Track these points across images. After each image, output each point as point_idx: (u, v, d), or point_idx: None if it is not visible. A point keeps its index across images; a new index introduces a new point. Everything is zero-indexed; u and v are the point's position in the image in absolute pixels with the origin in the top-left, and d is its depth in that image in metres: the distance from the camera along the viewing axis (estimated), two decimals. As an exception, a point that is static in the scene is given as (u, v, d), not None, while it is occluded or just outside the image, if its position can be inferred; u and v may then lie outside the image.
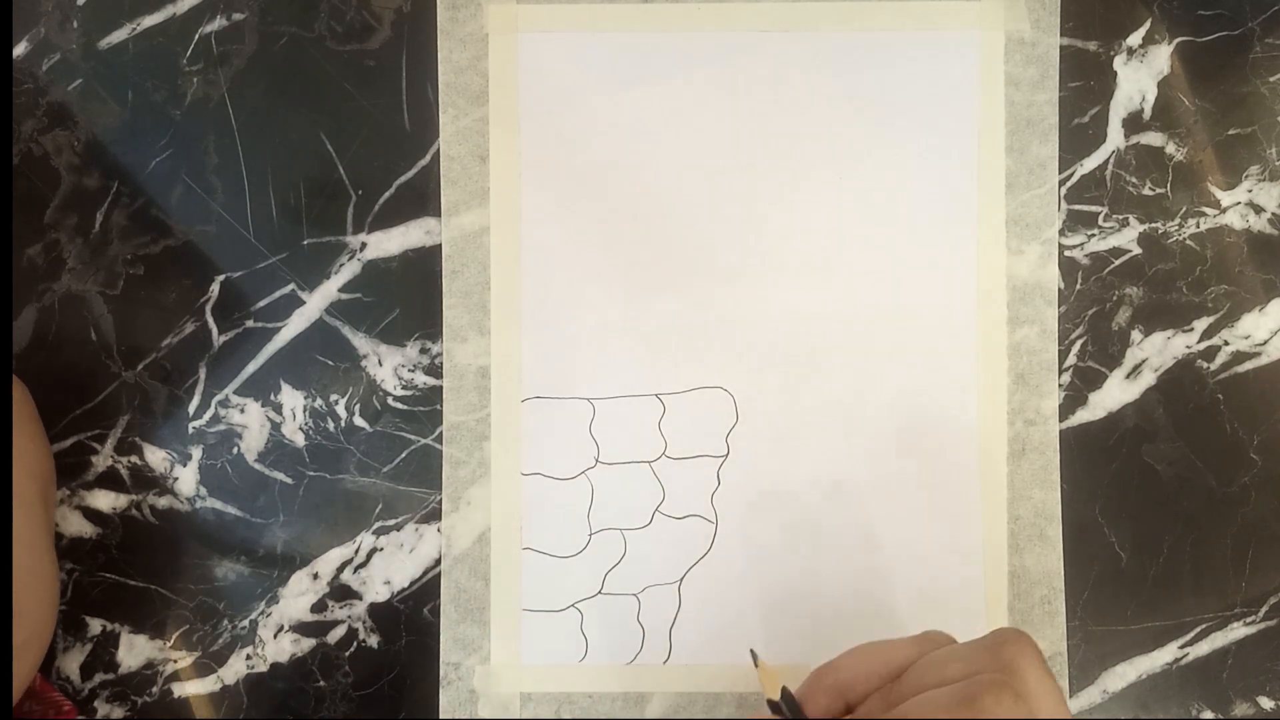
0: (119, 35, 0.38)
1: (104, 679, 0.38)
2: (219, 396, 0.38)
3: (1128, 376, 0.38)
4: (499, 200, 0.38)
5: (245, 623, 0.38)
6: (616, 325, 0.38)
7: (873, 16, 0.38)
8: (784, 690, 0.30)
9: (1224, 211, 0.38)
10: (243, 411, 0.38)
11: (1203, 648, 0.38)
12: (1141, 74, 0.38)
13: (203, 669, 0.38)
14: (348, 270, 0.38)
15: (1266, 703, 0.38)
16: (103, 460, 0.38)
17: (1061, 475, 0.38)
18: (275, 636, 0.38)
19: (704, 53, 0.38)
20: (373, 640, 0.38)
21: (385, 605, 0.38)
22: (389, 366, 0.38)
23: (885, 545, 0.38)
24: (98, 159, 0.38)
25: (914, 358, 0.38)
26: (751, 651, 0.33)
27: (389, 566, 0.38)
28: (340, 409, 0.38)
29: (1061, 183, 0.38)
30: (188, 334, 0.38)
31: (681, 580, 0.38)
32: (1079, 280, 0.38)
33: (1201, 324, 0.38)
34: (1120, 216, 0.38)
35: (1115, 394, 0.38)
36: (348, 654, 0.38)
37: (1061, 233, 0.38)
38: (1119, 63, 0.38)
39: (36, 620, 0.33)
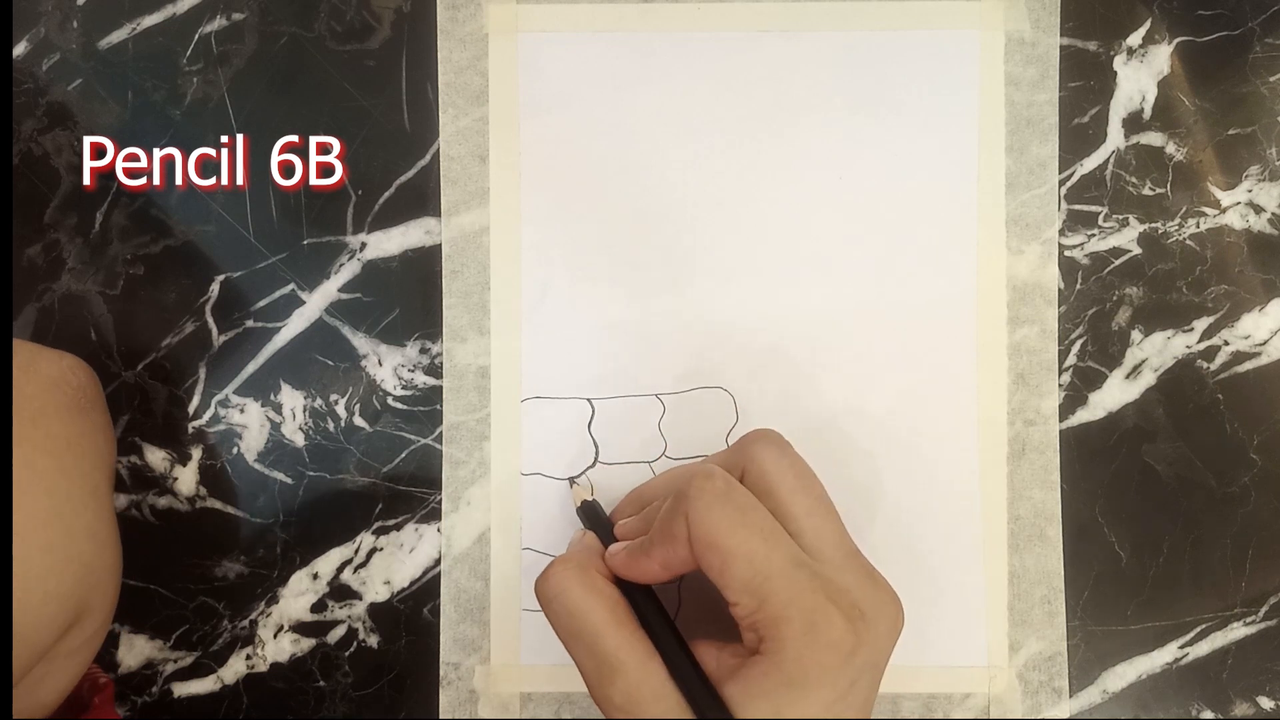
0: (119, 35, 0.38)
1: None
2: (219, 396, 0.38)
3: (1128, 376, 0.38)
4: (499, 200, 0.38)
5: (245, 623, 0.38)
6: (616, 325, 0.38)
7: (873, 16, 0.38)
8: (585, 502, 0.36)
9: (1224, 211, 0.38)
10: (243, 411, 0.38)
11: (1203, 648, 0.38)
12: (1141, 74, 0.38)
13: (203, 669, 0.38)
14: (347, 270, 0.38)
15: (1266, 703, 0.38)
16: (103, 460, 0.38)
17: (1061, 475, 0.38)
18: (275, 636, 0.38)
19: (704, 53, 0.38)
20: (373, 640, 0.38)
21: (385, 605, 0.38)
22: (389, 366, 0.38)
23: (885, 545, 0.37)
24: (98, 159, 0.38)
25: (914, 358, 0.38)
26: (570, 480, 0.37)
27: (389, 566, 0.38)
28: (340, 409, 0.38)
29: (1061, 183, 0.38)
30: (188, 334, 0.38)
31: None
32: (1079, 280, 0.38)
33: (1201, 324, 0.38)
34: (1120, 216, 0.38)
35: (1115, 394, 0.38)
36: (348, 654, 0.38)
37: (1061, 233, 0.38)
38: (1119, 63, 0.38)
39: (106, 615, 0.33)
